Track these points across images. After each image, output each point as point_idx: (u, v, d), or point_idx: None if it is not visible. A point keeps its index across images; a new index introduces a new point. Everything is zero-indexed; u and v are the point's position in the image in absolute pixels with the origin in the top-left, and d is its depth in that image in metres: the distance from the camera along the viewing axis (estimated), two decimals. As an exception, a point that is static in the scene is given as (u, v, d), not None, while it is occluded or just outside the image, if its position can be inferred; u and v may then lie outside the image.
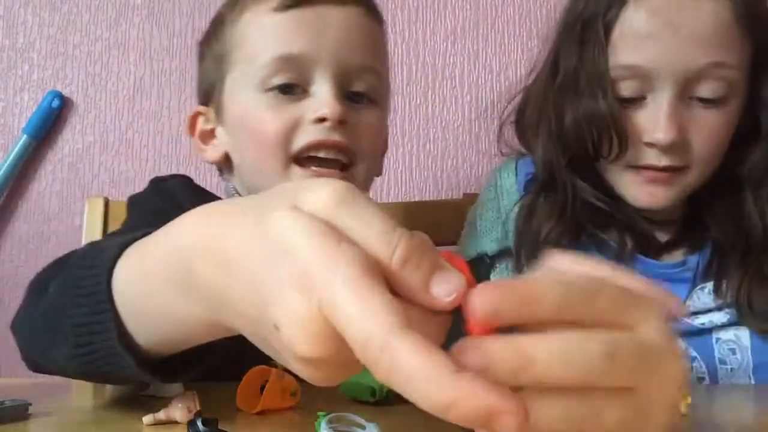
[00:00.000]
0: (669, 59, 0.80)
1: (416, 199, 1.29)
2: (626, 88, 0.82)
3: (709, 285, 0.84)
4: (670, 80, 0.80)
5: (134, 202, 0.81)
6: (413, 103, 1.32)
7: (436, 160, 1.32)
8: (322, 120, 0.73)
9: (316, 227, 0.27)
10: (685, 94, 0.81)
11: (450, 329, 0.29)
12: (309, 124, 0.74)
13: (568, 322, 0.28)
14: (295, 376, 0.56)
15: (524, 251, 0.87)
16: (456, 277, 0.28)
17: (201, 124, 0.83)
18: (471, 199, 1.02)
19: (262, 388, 0.54)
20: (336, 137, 0.74)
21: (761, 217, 0.85)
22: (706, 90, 0.80)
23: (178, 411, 0.49)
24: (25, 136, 1.28)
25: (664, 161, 0.81)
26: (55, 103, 1.29)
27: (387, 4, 1.27)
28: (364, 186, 0.80)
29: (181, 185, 0.82)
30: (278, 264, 0.28)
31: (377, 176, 0.86)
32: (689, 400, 0.52)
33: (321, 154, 0.74)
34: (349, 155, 0.76)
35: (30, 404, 0.52)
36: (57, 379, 0.54)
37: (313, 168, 0.74)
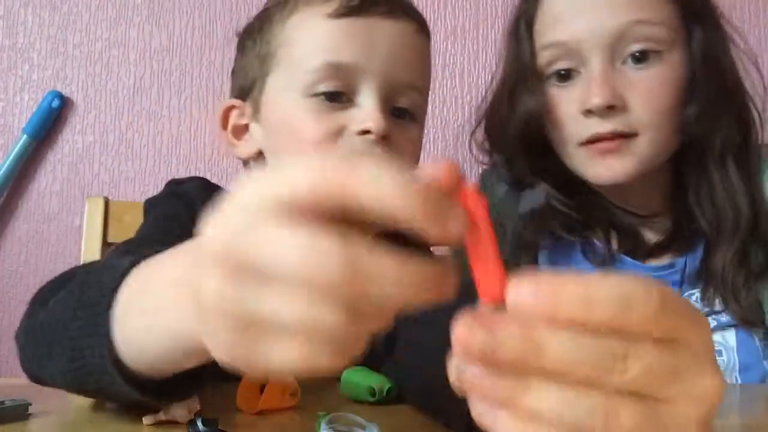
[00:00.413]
0: (589, 28, 0.82)
1: (416, 199, 1.29)
2: (558, 68, 0.85)
3: (697, 292, 0.85)
4: (596, 48, 0.82)
5: (150, 205, 0.81)
6: (413, 103, 1.32)
7: (436, 160, 1.32)
8: (365, 132, 0.72)
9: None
10: (615, 58, 0.82)
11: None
12: (352, 135, 0.72)
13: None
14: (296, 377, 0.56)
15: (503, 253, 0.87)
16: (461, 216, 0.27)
17: (234, 119, 0.82)
18: (471, 199, 1.02)
19: (262, 388, 0.54)
20: (377, 152, 0.72)
21: (730, 197, 0.85)
22: (633, 49, 0.82)
23: (178, 411, 0.49)
24: (25, 136, 1.28)
25: (608, 126, 0.81)
26: (55, 103, 1.29)
27: (387, 4, 1.27)
28: None
29: (197, 187, 0.82)
30: None
31: None
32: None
33: None
34: None
35: (30, 404, 0.52)
36: (57, 379, 0.54)
37: None
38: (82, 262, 0.93)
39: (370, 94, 0.73)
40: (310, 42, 0.74)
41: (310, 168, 0.26)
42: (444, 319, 0.30)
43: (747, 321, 0.82)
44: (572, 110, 0.84)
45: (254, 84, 0.79)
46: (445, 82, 1.34)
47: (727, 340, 0.83)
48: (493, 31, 1.34)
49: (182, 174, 1.29)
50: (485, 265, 0.27)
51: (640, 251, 0.88)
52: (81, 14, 1.34)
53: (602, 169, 0.83)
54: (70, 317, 0.46)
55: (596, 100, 0.80)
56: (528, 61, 0.87)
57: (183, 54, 1.33)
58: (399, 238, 0.27)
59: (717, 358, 0.83)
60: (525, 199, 0.88)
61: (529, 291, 0.26)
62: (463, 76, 1.34)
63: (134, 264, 0.43)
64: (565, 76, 0.85)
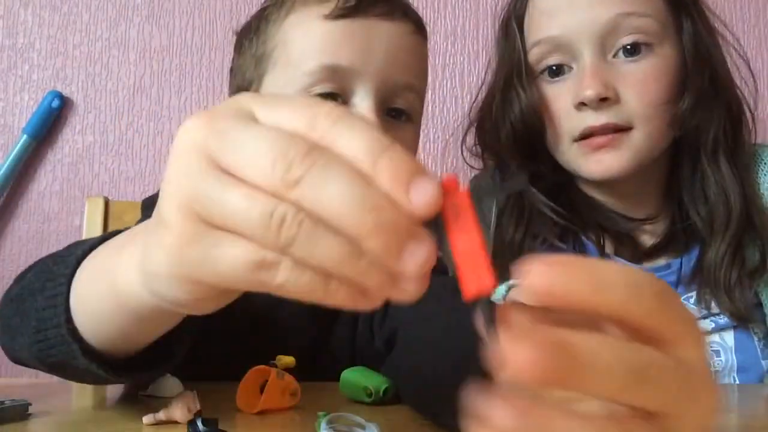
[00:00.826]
0: (578, 22, 0.82)
1: (416, 199, 1.29)
2: (549, 63, 0.85)
3: (693, 295, 0.85)
4: (587, 42, 0.82)
5: (147, 205, 0.81)
6: (413, 103, 1.32)
7: (436, 160, 1.32)
8: None
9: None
10: (606, 52, 0.83)
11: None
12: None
13: (603, 315, 0.25)
14: (296, 377, 0.56)
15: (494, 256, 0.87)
16: (434, 188, 0.26)
17: None
18: (471, 199, 1.02)
19: (262, 388, 0.54)
20: None
21: (722, 192, 0.85)
22: (623, 42, 0.82)
23: (178, 411, 0.49)
24: (25, 136, 1.28)
25: (601, 119, 0.81)
26: (55, 103, 1.29)
27: (387, 4, 1.27)
28: None
29: None
30: None
31: None
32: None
33: None
34: None
35: (30, 404, 0.52)
36: (57, 379, 0.54)
37: None
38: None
39: (365, 96, 0.73)
40: (307, 43, 0.74)
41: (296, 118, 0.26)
42: (442, 317, 0.30)
43: (741, 317, 0.82)
44: (565, 105, 0.84)
45: (251, 84, 0.79)
46: (445, 82, 1.34)
47: (726, 341, 0.83)
48: (493, 31, 1.33)
49: (182, 174, 1.29)
50: (469, 258, 0.26)
51: (635, 254, 0.88)
52: (81, 14, 1.34)
53: (594, 164, 0.83)
54: (39, 288, 0.47)
55: (588, 92, 0.80)
56: (519, 59, 0.87)
57: (183, 54, 1.33)
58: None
59: (715, 359, 0.83)
60: (505, 186, 0.88)
61: (541, 271, 0.24)
62: (463, 76, 1.34)
63: (105, 239, 0.43)
64: (557, 71, 0.85)
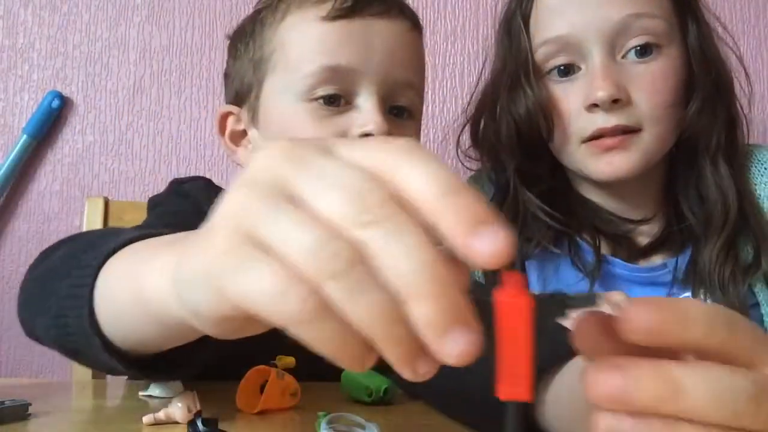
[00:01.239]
0: (588, 21, 0.82)
1: (416, 199, 1.29)
2: (558, 63, 0.84)
3: (689, 294, 0.84)
4: (597, 41, 0.81)
5: (154, 203, 0.81)
6: (413, 103, 1.32)
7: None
8: (367, 135, 0.72)
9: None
10: (615, 52, 0.82)
11: None
12: (354, 139, 0.72)
13: (701, 350, 0.27)
14: (296, 377, 0.56)
15: None
16: (502, 235, 0.24)
17: (231, 125, 0.81)
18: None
19: (262, 388, 0.54)
20: None
21: (722, 195, 0.85)
22: (634, 43, 0.82)
23: (178, 411, 0.49)
24: (25, 136, 1.28)
25: (612, 121, 0.81)
26: (55, 103, 1.29)
27: (387, 4, 1.27)
28: None
29: (200, 187, 0.82)
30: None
31: None
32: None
33: None
34: None
35: (30, 404, 0.52)
36: (57, 378, 0.54)
37: None
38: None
39: (368, 95, 0.73)
40: (306, 46, 0.74)
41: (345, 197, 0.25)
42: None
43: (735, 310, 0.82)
44: (575, 105, 0.83)
45: (250, 89, 0.79)
46: (445, 82, 1.34)
47: None
48: (493, 31, 1.33)
49: (182, 174, 1.29)
50: (514, 362, 0.26)
51: (632, 254, 0.88)
52: (81, 14, 1.34)
53: (604, 165, 0.83)
54: (65, 274, 0.47)
55: (601, 93, 0.80)
56: (526, 57, 0.86)
57: (183, 54, 1.33)
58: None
59: None
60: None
61: (640, 312, 0.26)
62: (463, 76, 1.34)
63: (141, 237, 0.43)
64: (566, 71, 0.84)
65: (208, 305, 0.28)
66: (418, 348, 0.25)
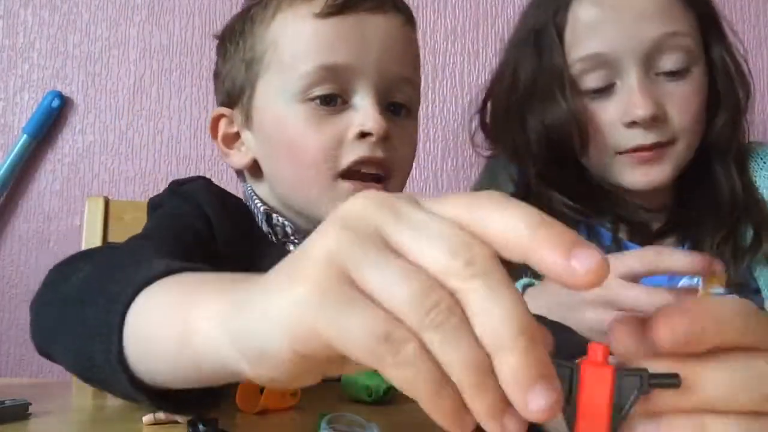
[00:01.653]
0: (625, 39, 0.83)
1: (416, 199, 1.29)
2: (594, 79, 0.86)
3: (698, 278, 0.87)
4: (632, 59, 0.83)
5: (154, 205, 0.80)
6: (413, 103, 1.32)
7: (436, 160, 1.32)
8: (366, 134, 0.71)
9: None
10: (650, 70, 0.84)
11: None
12: (353, 139, 0.71)
13: (731, 347, 0.28)
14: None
15: None
16: (597, 253, 0.26)
17: (224, 127, 0.80)
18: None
19: (262, 388, 0.54)
20: (380, 154, 0.71)
21: (730, 189, 0.89)
22: (668, 61, 0.84)
23: (178, 411, 0.49)
24: (25, 135, 1.28)
25: (650, 138, 0.84)
26: (55, 102, 1.29)
27: (387, 3, 1.27)
28: None
29: (201, 188, 0.80)
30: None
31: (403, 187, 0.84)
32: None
33: (363, 169, 0.72)
34: (386, 169, 0.74)
35: (30, 404, 0.52)
36: (57, 378, 0.54)
37: (359, 182, 0.72)
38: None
39: (365, 93, 0.71)
40: (300, 44, 0.72)
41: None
42: None
43: (736, 286, 0.84)
44: (611, 120, 0.85)
45: (242, 90, 0.77)
46: (445, 82, 1.34)
47: None
48: (493, 31, 1.34)
49: (182, 174, 1.29)
50: (590, 427, 0.27)
51: (645, 238, 0.90)
52: (81, 14, 1.34)
53: (640, 176, 0.86)
54: (91, 302, 0.44)
55: (641, 111, 0.82)
56: (561, 72, 0.86)
57: (183, 54, 1.33)
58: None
59: None
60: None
61: (675, 321, 0.27)
62: (463, 76, 1.34)
63: (171, 271, 0.41)
64: (602, 86, 0.85)
65: (279, 344, 0.28)
66: (506, 401, 0.25)
